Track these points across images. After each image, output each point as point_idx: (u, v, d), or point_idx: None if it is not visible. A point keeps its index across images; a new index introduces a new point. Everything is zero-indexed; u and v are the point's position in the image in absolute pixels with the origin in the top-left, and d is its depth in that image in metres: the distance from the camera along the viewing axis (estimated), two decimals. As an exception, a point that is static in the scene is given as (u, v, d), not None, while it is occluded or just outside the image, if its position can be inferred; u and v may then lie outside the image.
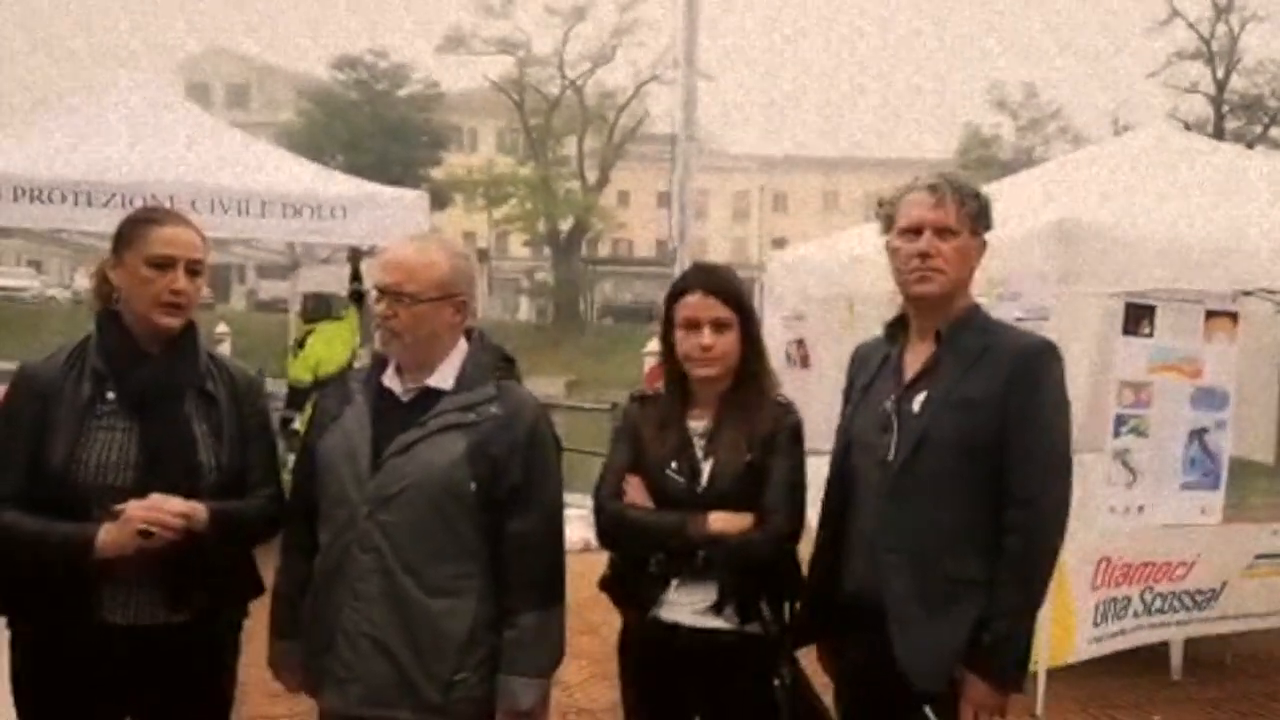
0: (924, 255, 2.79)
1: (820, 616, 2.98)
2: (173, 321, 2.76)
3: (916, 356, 2.87)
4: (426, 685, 2.71)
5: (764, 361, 3.03)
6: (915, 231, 2.80)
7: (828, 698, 3.06)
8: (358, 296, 8.66)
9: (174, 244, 2.75)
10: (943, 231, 2.78)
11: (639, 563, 3.01)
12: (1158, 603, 5.25)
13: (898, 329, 2.97)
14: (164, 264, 2.73)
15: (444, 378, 2.80)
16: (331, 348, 8.76)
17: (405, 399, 2.81)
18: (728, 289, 2.98)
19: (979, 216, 2.84)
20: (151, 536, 2.61)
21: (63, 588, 2.67)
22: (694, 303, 2.98)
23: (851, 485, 2.92)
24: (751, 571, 2.93)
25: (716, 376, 2.99)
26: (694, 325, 2.97)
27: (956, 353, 2.80)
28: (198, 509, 2.66)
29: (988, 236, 2.89)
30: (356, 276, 8.69)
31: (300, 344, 9.04)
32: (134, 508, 2.60)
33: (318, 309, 9.07)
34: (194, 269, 2.78)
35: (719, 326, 2.95)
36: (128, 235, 2.77)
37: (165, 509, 2.61)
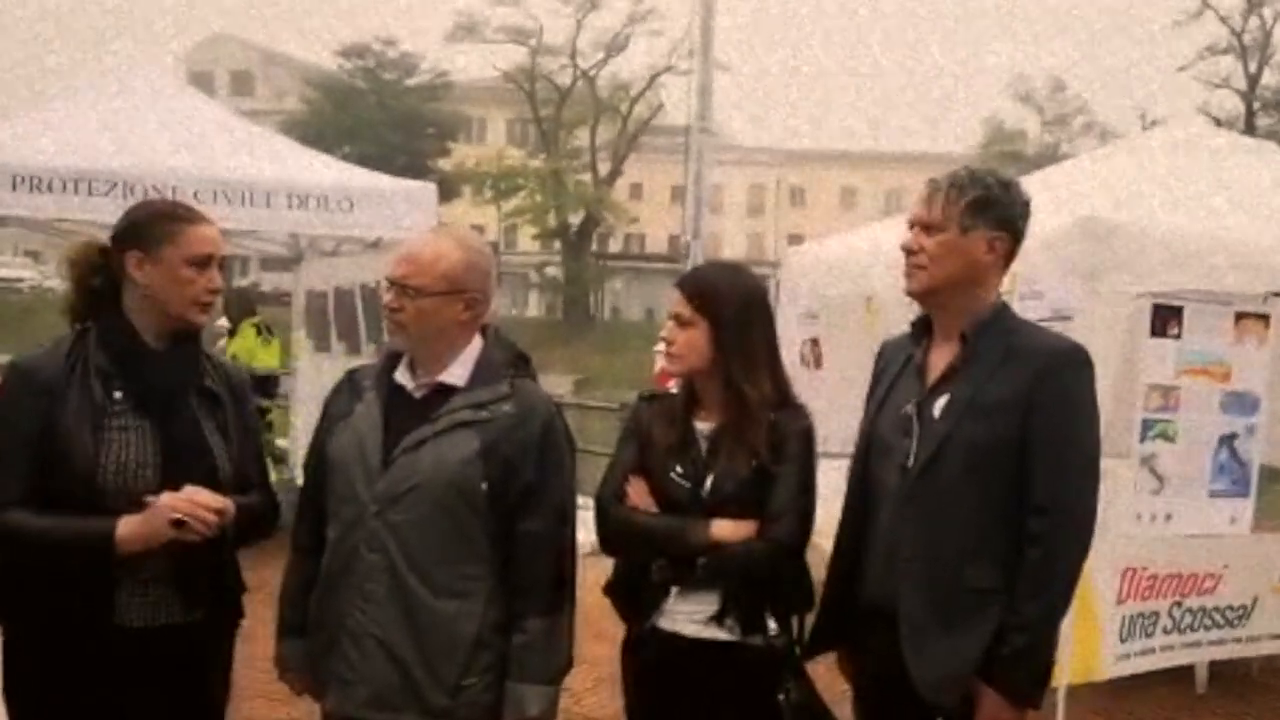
0: (909, 251, 2.75)
1: (838, 623, 2.92)
2: (205, 319, 2.77)
3: (940, 358, 2.80)
4: (432, 689, 2.66)
5: (756, 368, 2.91)
6: (910, 227, 2.80)
7: (846, 706, 2.99)
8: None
9: (211, 242, 2.75)
10: (928, 227, 2.73)
11: (640, 569, 2.95)
12: (1187, 619, 5.10)
13: (922, 329, 2.88)
14: (204, 263, 2.72)
15: (457, 374, 2.75)
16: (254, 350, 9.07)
17: (417, 395, 2.76)
18: (695, 287, 2.96)
19: (978, 210, 2.72)
20: (184, 526, 2.56)
21: (80, 590, 2.62)
22: (671, 298, 2.98)
23: (871, 490, 2.85)
24: (754, 581, 2.85)
25: (680, 374, 2.97)
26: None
27: (981, 355, 2.72)
28: (229, 505, 2.64)
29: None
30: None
31: (269, 330, 9.37)
32: (169, 498, 2.56)
33: (242, 306, 9.18)
34: (221, 265, 2.80)
35: (681, 323, 2.92)
36: (160, 233, 2.72)
37: (201, 502, 2.58)
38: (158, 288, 2.71)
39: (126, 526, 2.56)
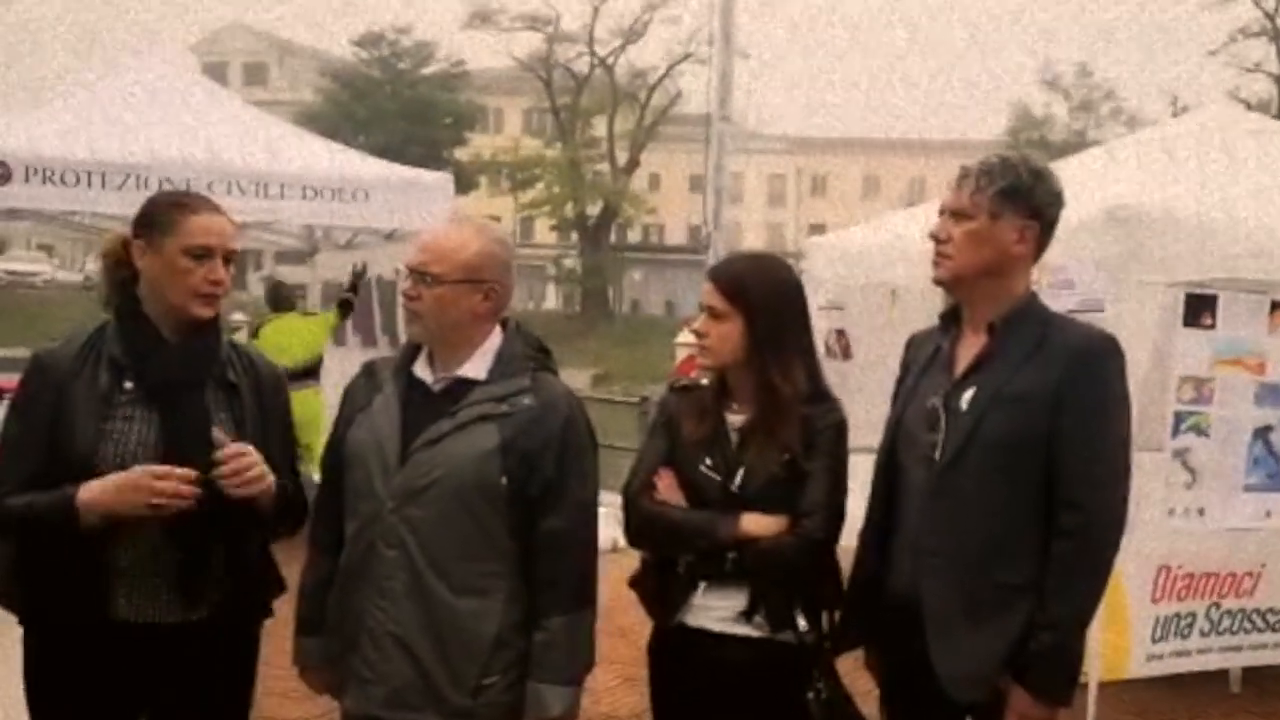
0: (937, 239, 2.73)
1: (864, 619, 2.88)
2: (209, 312, 2.72)
3: (968, 349, 2.75)
4: (451, 688, 2.63)
5: (790, 361, 2.85)
6: (941, 214, 2.76)
7: (871, 704, 2.94)
8: (346, 305, 8.58)
9: (213, 233, 2.69)
10: (957, 215, 2.68)
11: (668, 563, 2.91)
12: (1225, 621, 5.00)
13: (951, 319, 2.83)
14: (203, 254, 2.67)
15: (477, 367, 2.71)
16: (286, 341, 8.37)
17: (436, 389, 2.72)
18: (727, 278, 2.90)
19: (1008, 198, 2.66)
20: (159, 507, 2.52)
21: (74, 583, 2.61)
22: (704, 289, 2.93)
23: (898, 483, 2.81)
24: (784, 577, 2.81)
25: (713, 367, 2.92)
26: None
27: (1009, 346, 2.67)
28: (269, 478, 2.64)
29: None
30: (353, 288, 8.58)
31: (255, 333, 8.89)
32: (144, 468, 2.54)
33: (278, 299, 8.95)
34: (229, 257, 2.73)
35: (714, 316, 2.87)
36: (162, 221, 2.70)
37: (178, 474, 2.54)
38: (158, 277, 2.69)
39: (87, 491, 2.53)
